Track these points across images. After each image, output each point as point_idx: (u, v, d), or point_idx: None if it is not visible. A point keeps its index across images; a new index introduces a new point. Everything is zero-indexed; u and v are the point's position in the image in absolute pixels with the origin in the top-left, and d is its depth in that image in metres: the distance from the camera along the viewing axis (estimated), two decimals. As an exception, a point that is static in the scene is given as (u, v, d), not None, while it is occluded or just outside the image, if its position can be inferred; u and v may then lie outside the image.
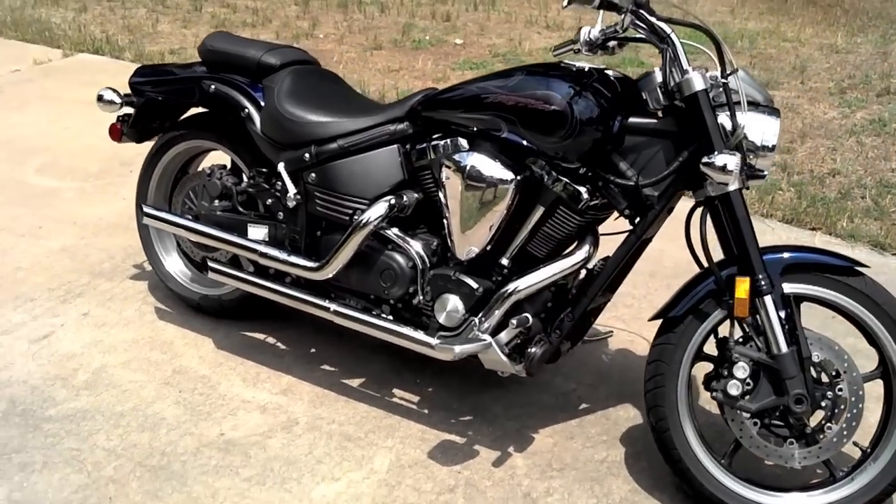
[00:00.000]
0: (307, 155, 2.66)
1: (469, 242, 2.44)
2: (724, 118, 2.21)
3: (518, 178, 2.35)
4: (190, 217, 2.98)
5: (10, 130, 4.98)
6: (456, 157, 2.40)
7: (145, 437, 2.63)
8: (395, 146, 2.60)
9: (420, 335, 2.49)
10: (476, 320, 2.42)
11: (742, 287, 2.17)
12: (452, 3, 8.37)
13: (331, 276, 2.64)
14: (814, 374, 2.21)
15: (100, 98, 3.04)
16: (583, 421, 2.70)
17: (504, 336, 2.40)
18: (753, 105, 2.24)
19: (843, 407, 2.20)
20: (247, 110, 2.79)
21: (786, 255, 2.25)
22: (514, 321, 2.36)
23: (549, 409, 2.74)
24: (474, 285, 2.45)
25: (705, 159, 2.11)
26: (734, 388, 2.18)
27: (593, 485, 2.45)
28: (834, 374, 2.20)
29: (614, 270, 2.39)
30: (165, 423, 2.68)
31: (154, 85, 3.02)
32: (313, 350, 3.03)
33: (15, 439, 2.61)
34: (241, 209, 2.91)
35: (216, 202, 2.93)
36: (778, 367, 2.16)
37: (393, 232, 2.59)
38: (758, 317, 2.19)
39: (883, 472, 2.22)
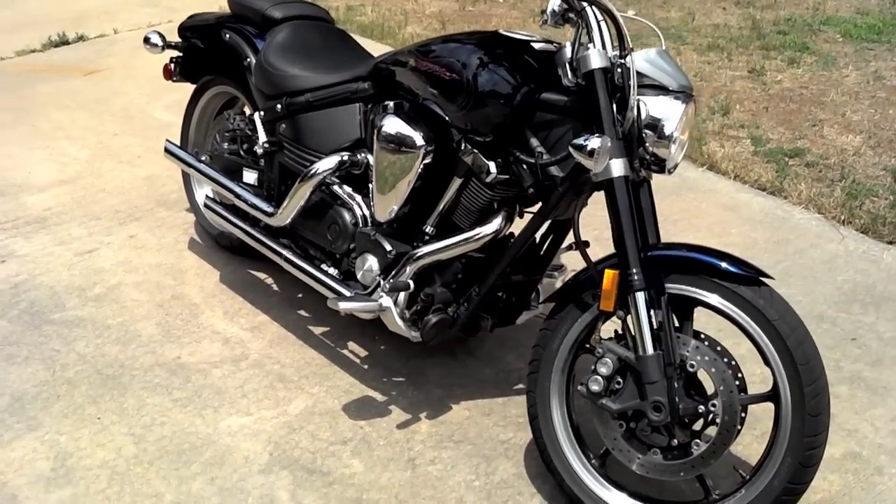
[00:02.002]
0: (279, 106, 2.78)
1: (385, 204, 2.46)
2: (647, 101, 2.07)
3: (428, 145, 2.33)
4: (202, 157, 3.20)
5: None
6: (378, 118, 2.43)
7: (116, 349, 2.90)
8: (358, 105, 2.65)
9: (329, 289, 2.56)
10: (382, 281, 2.45)
11: (607, 279, 2.05)
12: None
13: (285, 223, 2.76)
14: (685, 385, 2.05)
15: (146, 40, 3.31)
16: (509, 401, 2.65)
17: (402, 300, 2.41)
18: (661, 90, 2.08)
19: (713, 425, 2.03)
20: (248, 60, 2.95)
21: (674, 252, 2.09)
22: (408, 284, 2.36)
23: (483, 384, 2.72)
24: (388, 247, 2.47)
25: (575, 140, 2.01)
26: (595, 385, 2.07)
27: (481, 462, 2.42)
28: (712, 389, 2.03)
29: (518, 250, 2.32)
30: (138, 340, 2.94)
31: (193, 31, 3.26)
32: (300, 295, 3.16)
33: (15, 334, 2.97)
34: (242, 153, 3.08)
35: (225, 144, 3.13)
36: (640, 370, 2.02)
37: (344, 189, 2.65)
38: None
39: (753, 501, 2.03)
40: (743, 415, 2.10)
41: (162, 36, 3.32)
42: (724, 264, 2.03)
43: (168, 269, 3.35)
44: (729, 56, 5.58)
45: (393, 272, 2.44)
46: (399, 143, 2.35)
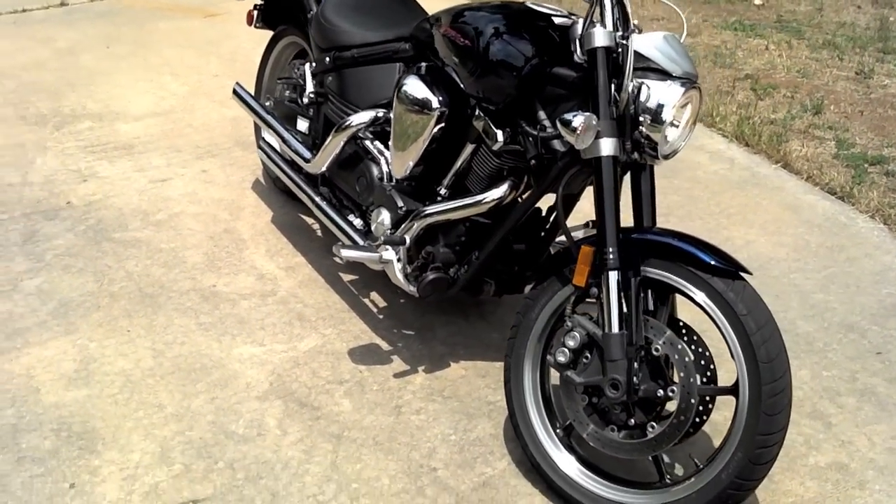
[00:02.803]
0: (328, 59, 2.91)
1: (401, 162, 2.55)
2: (649, 84, 2.09)
3: (442, 109, 2.41)
4: (268, 103, 3.37)
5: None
6: (402, 78, 2.52)
7: (161, 271, 3.12)
8: (399, 64, 2.75)
9: (347, 237, 2.68)
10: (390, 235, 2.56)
11: (582, 254, 2.09)
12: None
13: (320, 171, 2.89)
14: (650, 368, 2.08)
15: (232, -13, 3.49)
16: (507, 366, 2.71)
17: (403, 255, 2.51)
18: (664, 74, 2.09)
19: (670, 410, 2.06)
20: (312, 12, 3.09)
21: (656, 237, 2.10)
22: (403, 239, 2.45)
23: (486, 347, 2.79)
24: (400, 203, 2.57)
25: (563, 115, 2.05)
26: (562, 356, 2.12)
27: (463, 419, 2.51)
28: (673, 376, 2.05)
29: (518, 220, 2.37)
30: (183, 266, 3.15)
31: (275, -20, 3.42)
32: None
33: (77, 247, 3.24)
34: (298, 102, 3.23)
35: (287, 92, 3.29)
36: (603, 347, 2.06)
37: (375, 144, 2.77)
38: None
39: (699, 491, 2.04)
40: (711, 406, 2.11)
41: (248, -17, 3.50)
42: (701, 254, 2.03)
43: (227, 205, 3.56)
44: (841, 55, 5.37)
45: (400, 228, 2.53)
46: (415, 104, 2.44)
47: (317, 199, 2.91)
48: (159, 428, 2.43)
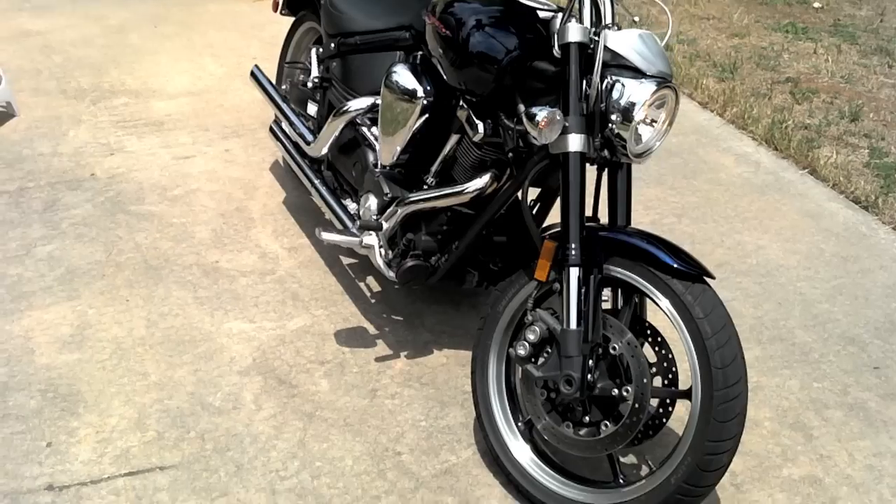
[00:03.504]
0: (332, 44, 2.95)
1: (388, 148, 2.58)
2: (622, 81, 2.07)
3: (427, 98, 2.42)
4: (283, 86, 3.43)
5: None
6: (391, 66, 2.54)
7: (168, 245, 3.21)
8: (399, 52, 2.77)
9: (339, 220, 2.72)
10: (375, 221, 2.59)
11: (545, 249, 2.09)
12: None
13: (319, 154, 2.94)
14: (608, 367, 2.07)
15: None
16: (490, 357, 2.72)
17: (382, 240, 2.54)
18: (637, 73, 2.07)
19: (623, 410, 2.05)
20: (323, -1, 3.13)
21: (620, 237, 2.09)
22: (379, 224, 2.48)
23: (472, 338, 2.76)
24: (386, 190, 2.60)
25: (529, 109, 2.05)
26: (522, 349, 2.13)
27: (435, 406, 2.53)
28: (628, 376, 2.04)
29: (495, 212, 2.38)
30: (190, 241, 3.24)
31: (298, -34, 3.47)
32: (349, 226, 3.35)
33: (93, 217, 3.35)
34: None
35: (301, 77, 3.34)
36: (560, 342, 2.06)
37: (371, 131, 2.80)
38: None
39: (648, 494, 2.03)
40: (670, 409, 2.10)
41: (271, -30, 3.55)
42: (663, 255, 2.01)
43: (243, 184, 3.63)
44: (891, 62, 5.21)
45: (384, 214, 2.56)
46: (402, 92, 2.46)
47: (316, 181, 2.95)
48: (140, 395, 2.51)
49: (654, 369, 2.09)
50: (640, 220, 3.32)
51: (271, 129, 3.34)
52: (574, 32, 2.06)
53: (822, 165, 3.91)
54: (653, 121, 2.11)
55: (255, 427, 2.42)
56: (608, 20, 2.10)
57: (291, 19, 3.59)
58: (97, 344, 2.70)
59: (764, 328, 2.90)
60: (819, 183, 3.85)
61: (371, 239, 2.55)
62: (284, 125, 3.25)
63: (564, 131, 2.06)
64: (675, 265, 1.99)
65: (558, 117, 2.01)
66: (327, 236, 2.59)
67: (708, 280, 2.02)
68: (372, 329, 2.82)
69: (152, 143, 3.94)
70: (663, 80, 2.06)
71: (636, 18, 2.54)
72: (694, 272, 2.00)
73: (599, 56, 2.03)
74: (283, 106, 3.21)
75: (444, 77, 2.35)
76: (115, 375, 2.58)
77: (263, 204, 3.50)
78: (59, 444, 2.34)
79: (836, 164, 3.93)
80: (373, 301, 2.96)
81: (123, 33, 5.22)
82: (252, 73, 3.49)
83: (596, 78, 2.04)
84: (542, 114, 1.99)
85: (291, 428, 2.43)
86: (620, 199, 2.17)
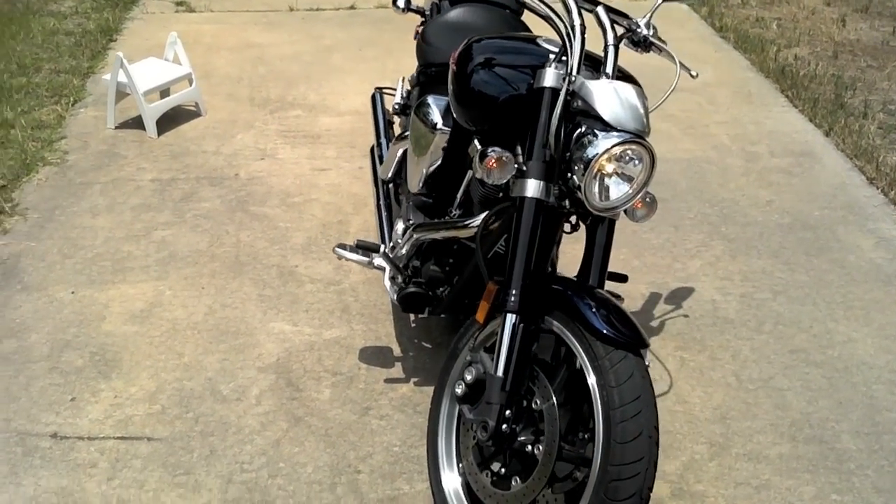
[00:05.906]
0: (416, 74, 3.06)
1: (413, 175, 2.65)
2: (590, 132, 2.02)
3: (445, 129, 2.47)
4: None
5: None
6: (424, 96, 2.61)
7: (263, 245, 3.48)
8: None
9: (383, 239, 2.85)
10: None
11: (487, 292, 2.07)
12: None
13: (386, 176, 3.08)
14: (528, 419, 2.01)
15: (393, 1, 3.76)
16: (495, 398, 2.70)
17: (389, 265, 2.61)
18: (607, 126, 1.99)
19: (531, 466, 1.98)
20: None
21: (568, 291, 2.00)
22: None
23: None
24: (410, 216, 2.67)
25: (483, 148, 2.04)
26: (459, 388, 2.12)
27: (415, 434, 2.55)
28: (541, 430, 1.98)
29: (492, 248, 2.38)
30: (283, 244, 3.49)
31: (429, -3, 3.63)
32: (429, 252, 3.44)
33: (215, 212, 3.71)
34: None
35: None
36: (486, 387, 2.03)
37: (414, 158, 2.89)
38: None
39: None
40: (579, 473, 2.00)
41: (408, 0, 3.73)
42: (593, 317, 1.91)
43: (356, 200, 3.84)
44: None
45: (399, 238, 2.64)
46: (425, 123, 2.52)
47: (380, 202, 3.07)
48: (167, 372, 2.76)
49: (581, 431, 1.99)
50: (733, 291, 3.14)
51: (371, 150, 3.50)
52: (549, 77, 2.04)
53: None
54: (630, 178, 2.02)
55: (245, 419, 2.58)
56: (609, 69, 2.04)
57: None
58: (157, 321, 2.99)
59: (807, 425, 2.61)
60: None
61: (379, 261, 2.63)
62: (378, 148, 3.41)
63: (523, 175, 2.03)
64: (604, 330, 1.89)
65: (505, 159, 1.99)
66: (341, 252, 2.70)
67: (646, 351, 1.89)
68: (397, 351, 2.89)
69: (301, 153, 4.26)
70: (633, 137, 1.96)
71: (694, 74, 2.40)
72: (622, 340, 1.88)
73: (560, 103, 1.98)
74: (379, 127, 3.37)
75: (453, 112, 2.39)
76: (157, 351, 2.85)
77: (365, 220, 3.68)
78: (81, 400, 2.64)
79: None
80: (413, 326, 3.02)
81: (329, 52, 5.65)
82: (372, 97, 3.68)
83: (554, 124, 1.99)
84: (491, 155, 1.98)
85: (275, 427, 2.56)
86: (596, 255, 2.09)
